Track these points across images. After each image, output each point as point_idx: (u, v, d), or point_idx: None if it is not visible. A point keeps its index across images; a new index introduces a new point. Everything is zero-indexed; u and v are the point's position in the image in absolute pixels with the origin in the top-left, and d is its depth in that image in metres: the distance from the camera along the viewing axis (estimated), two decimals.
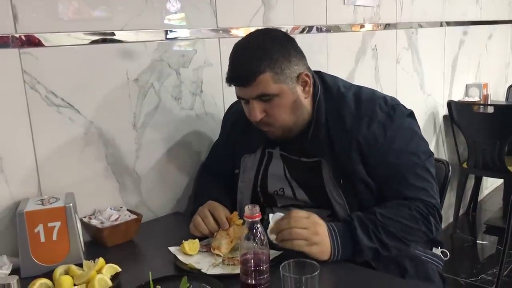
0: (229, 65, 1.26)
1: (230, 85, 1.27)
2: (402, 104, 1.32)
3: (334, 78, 1.38)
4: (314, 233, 1.14)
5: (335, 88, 1.33)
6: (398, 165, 1.25)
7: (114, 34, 1.41)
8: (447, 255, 1.42)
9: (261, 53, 1.21)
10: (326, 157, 1.29)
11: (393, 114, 1.27)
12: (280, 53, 1.22)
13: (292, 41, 1.27)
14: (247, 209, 1.02)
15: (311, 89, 1.29)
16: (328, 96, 1.32)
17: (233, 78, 1.25)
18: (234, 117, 1.49)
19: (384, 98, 1.31)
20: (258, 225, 1.02)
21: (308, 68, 1.30)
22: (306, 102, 1.29)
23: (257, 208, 1.02)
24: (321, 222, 1.17)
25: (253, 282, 1.00)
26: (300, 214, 1.17)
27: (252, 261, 1.01)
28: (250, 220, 1.01)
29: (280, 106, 1.24)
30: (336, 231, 1.17)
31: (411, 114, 1.32)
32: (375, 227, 1.18)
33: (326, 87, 1.34)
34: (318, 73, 1.37)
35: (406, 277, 1.27)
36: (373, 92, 1.34)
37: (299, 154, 1.35)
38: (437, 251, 1.40)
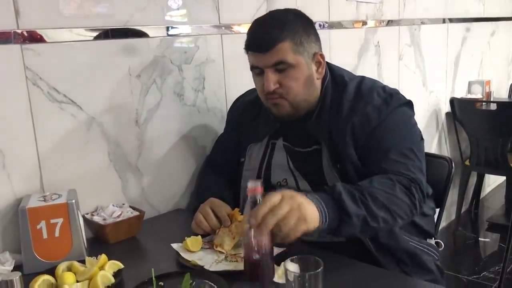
0: (248, 34, 1.28)
1: (247, 52, 1.29)
2: (401, 94, 1.34)
3: (340, 68, 1.41)
4: (298, 206, 1.02)
5: (340, 77, 1.36)
6: (382, 142, 1.25)
7: (116, 30, 1.41)
8: (442, 246, 1.43)
9: (282, 24, 1.24)
10: (325, 142, 1.30)
11: (390, 101, 1.28)
12: (301, 27, 1.26)
13: (311, 22, 1.32)
14: (250, 183, 1.02)
15: (323, 71, 1.32)
16: (334, 84, 1.35)
17: (253, 43, 1.26)
18: (240, 110, 1.51)
19: (384, 87, 1.33)
20: (261, 199, 1.01)
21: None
22: (317, 84, 1.32)
23: (259, 182, 1.02)
24: (296, 194, 1.06)
25: (257, 256, 0.99)
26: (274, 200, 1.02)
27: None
28: (252, 193, 1.01)
29: (294, 78, 1.25)
30: (320, 199, 1.08)
31: (408, 103, 1.33)
32: (362, 194, 1.13)
33: (333, 76, 1.36)
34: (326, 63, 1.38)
35: (403, 267, 1.28)
36: (374, 82, 1.36)
37: (301, 143, 1.35)
38: (431, 241, 1.41)
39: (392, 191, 1.16)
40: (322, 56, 1.31)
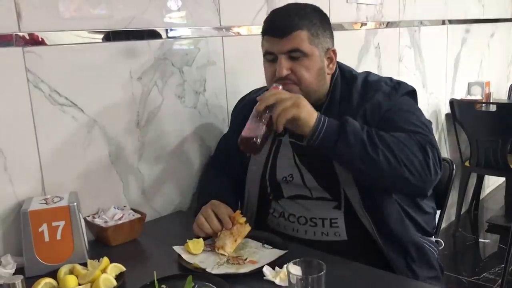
0: (266, 20, 1.32)
1: (263, 37, 1.31)
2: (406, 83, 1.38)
3: (348, 66, 1.45)
4: (297, 98, 1.16)
5: (348, 72, 1.39)
6: (394, 121, 1.26)
7: (117, 33, 1.41)
8: (442, 244, 1.46)
9: (302, 14, 1.28)
10: None
11: (398, 87, 1.32)
12: (318, 20, 1.30)
13: (328, 18, 1.35)
14: (275, 84, 1.24)
15: (334, 67, 1.36)
16: (343, 78, 1.38)
17: (270, 28, 1.29)
18: (247, 107, 1.50)
19: (390, 78, 1.38)
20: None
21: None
22: (327, 79, 1.35)
23: (281, 85, 1.23)
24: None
25: (253, 127, 1.15)
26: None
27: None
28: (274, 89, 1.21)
29: (307, 68, 1.27)
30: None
31: (414, 91, 1.37)
32: (370, 129, 1.17)
33: (342, 72, 1.40)
34: None
35: (410, 262, 1.29)
36: (379, 76, 1.41)
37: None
38: (432, 239, 1.42)
39: (405, 142, 1.17)
40: (334, 52, 1.34)
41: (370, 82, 1.34)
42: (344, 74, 1.38)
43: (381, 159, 1.13)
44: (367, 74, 1.39)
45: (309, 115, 1.14)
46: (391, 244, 1.29)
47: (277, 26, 1.27)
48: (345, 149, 1.14)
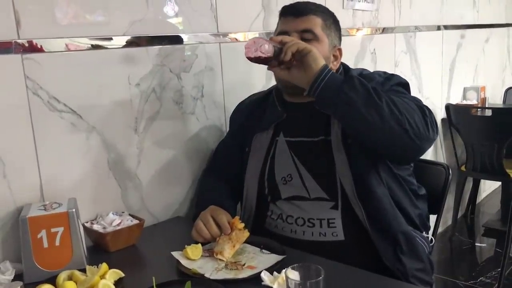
0: (285, 5, 1.40)
1: (280, 19, 1.40)
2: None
3: (346, 64, 1.50)
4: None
5: (346, 66, 1.47)
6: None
7: (115, 40, 1.42)
8: (433, 241, 1.48)
9: (319, 6, 1.39)
10: (333, 121, 1.33)
11: (391, 78, 1.36)
12: (332, 18, 1.41)
13: (340, 25, 1.46)
14: None
15: (338, 65, 1.42)
16: (343, 73, 1.43)
17: (288, 8, 1.39)
18: (249, 108, 1.55)
19: (384, 71, 1.42)
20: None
21: None
22: None
23: None
24: None
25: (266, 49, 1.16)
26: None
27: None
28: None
29: None
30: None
31: (407, 84, 1.39)
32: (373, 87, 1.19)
33: (344, 68, 1.46)
34: None
35: (399, 254, 1.30)
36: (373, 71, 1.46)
37: (306, 133, 1.38)
38: (424, 234, 1.44)
39: (405, 100, 1.21)
40: (340, 51, 1.43)
41: (364, 74, 1.38)
42: (344, 69, 1.45)
43: (384, 106, 1.14)
44: (362, 69, 1.45)
45: (320, 55, 1.19)
46: (381, 233, 1.30)
47: (295, 7, 1.38)
48: (350, 92, 1.14)
